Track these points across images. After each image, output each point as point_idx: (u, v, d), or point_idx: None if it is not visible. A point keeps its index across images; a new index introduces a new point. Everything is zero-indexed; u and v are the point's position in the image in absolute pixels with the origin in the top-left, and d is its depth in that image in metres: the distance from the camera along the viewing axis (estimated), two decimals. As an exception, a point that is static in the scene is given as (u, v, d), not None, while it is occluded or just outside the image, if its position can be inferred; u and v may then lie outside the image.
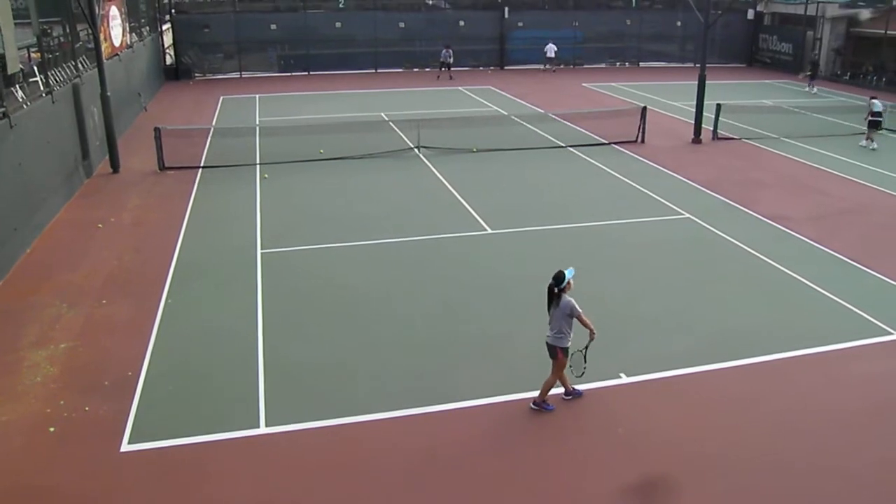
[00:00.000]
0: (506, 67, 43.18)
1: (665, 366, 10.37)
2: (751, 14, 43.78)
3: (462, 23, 42.63)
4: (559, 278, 9.01)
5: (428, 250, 14.79)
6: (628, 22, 44.62)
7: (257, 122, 26.82)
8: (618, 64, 45.17)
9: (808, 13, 40.17)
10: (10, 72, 15.39)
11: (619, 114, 25.45)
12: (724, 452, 8.60)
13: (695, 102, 24.43)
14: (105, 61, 20.85)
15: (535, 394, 9.45)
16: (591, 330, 8.97)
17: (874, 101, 23.63)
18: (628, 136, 24.03)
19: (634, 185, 19.20)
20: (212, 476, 8.19)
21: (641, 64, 45.13)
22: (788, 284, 13.20)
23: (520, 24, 43.16)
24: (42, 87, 17.41)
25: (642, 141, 23.92)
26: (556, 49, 41.21)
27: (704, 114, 24.36)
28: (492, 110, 29.54)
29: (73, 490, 7.99)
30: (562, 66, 42.73)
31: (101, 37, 20.96)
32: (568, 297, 8.99)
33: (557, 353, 9.13)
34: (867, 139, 23.63)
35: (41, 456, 8.53)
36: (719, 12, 25.91)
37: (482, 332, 11.39)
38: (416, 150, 22.46)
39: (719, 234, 15.59)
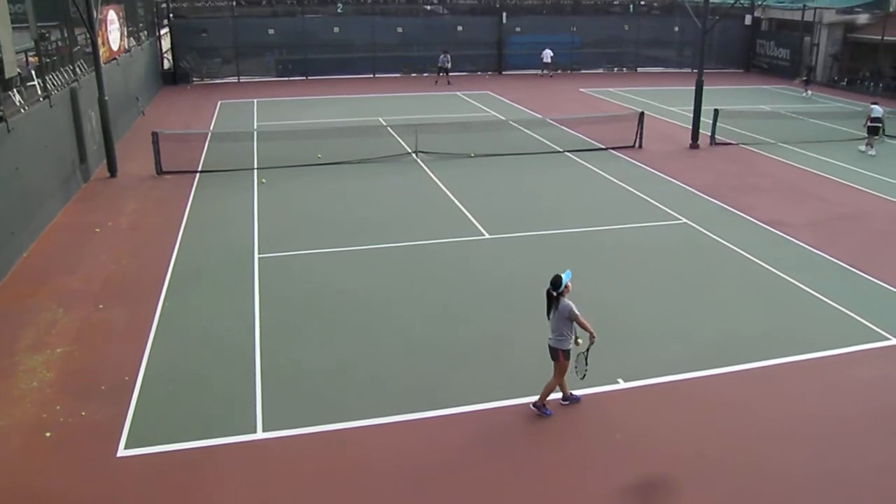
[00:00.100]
0: (504, 72, 43.23)
1: (663, 371, 10.36)
2: (748, 19, 43.89)
3: (460, 28, 42.69)
4: (556, 282, 9.02)
5: (426, 255, 14.78)
6: (626, 27, 44.71)
7: (255, 127, 26.80)
8: (615, 69, 45.24)
9: (805, 19, 40.26)
10: (7, 76, 15.37)
11: (617, 119, 25.46)
12: (723, 457, 8.59)
13: (692, 107, 24.47)
14: (103, 65, 20.84)
15: (534, 398, 9.44)
16: (590, 333, 8.97)
17: (874, 106, 23.61)
18: (626, 141, 24.05)
19: (632, 190, 19.21)
20: (208, 481, 8.16)
21: (639, 69, 45.21)
22: (786, 290, 13.20)
23: (517, 29, 43.23)
24: (40, 92, 17.39)
25: (640, 146, 23.94)
26: (552, 54, 41.26)
27: (702, 119, 24.40)
28: (489, 115, 29.56)
29: (69, 495, 7.96)
30: (559, 72, 42.80)
31: (100, 41, 20.96)
32: (566, 301, 9.00)
33: (559, 355, 9.14)
34: (867, 144, 23.59)
35: (37, 461, 8.49)
36: (717, 18, 25.96)
37: (480, 337, 11.37)
38: (413, 154, 22.46)
39: (717, 240, 15.59)
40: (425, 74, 41.36)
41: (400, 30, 41.89)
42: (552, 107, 31.31)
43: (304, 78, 40.41)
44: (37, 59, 18.77)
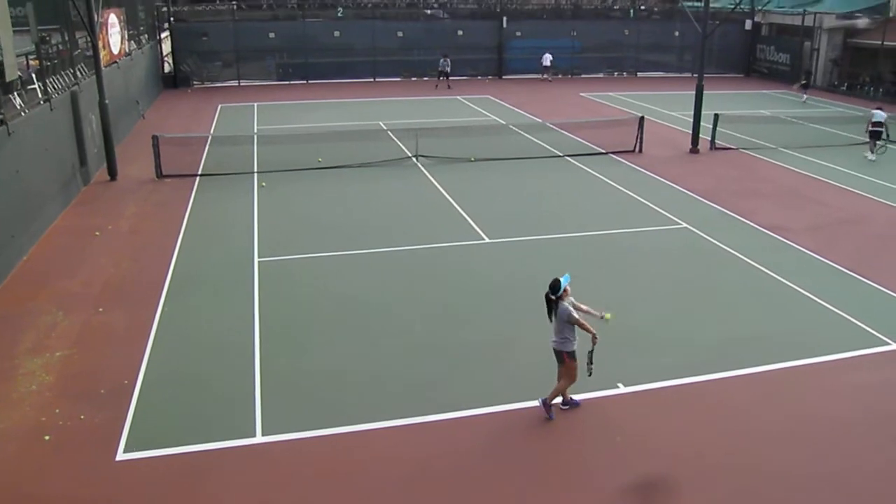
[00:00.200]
0: (504, 77, 43.26)
1: (663, 375, 10.35)
2: (748, 24, 43.95)
3: (460, 32, 42.74)
4: (555, 286, 9.04)
5: (426, 259, 14.77)
6: (626, 32, 44.74)
7: (255, 131, 26.81)
8: (616, 74, 45.29)
9: (805, 24, 40.32)
10: (8, 79, 15.38)
11: (617, 123, 25.49)
12: (722, 461, 8.58)
13: (692, 112, 24.50)
14: (103, 69, 20.87)
15: (534, 403, 9.46)
16: (592, 334, 8.97)
17: (876, 111, 23.52)
18: (626, 145, 24.06)
19: (632, 194, 19.21)
20: (207, 485, 8.14)
21: (639, 74, 45.26)
22: (786, 295, 13.20)
23: (518, 33, 43.28)
24: (40, 95, 17.41)
25: (640, 151, 23.95)
26: (551, 58, 41.32)
27: (702, 124, 24.42)
28: (490, 119, 29.58)
29: (68, 498, 7.94)
30: (559, 76, 42.84)
31: (100, 44, 20.98)
32: (565, 304, 9.02)
33: (564, 357, 9.16)
34: (872, 150, 23.36)
35: (36, 464, 8.48)
36: (717, 23, 26.03)
37: (481, 340, 11.37)
38: (414, 159, 22.47)
39: (717, 244, 15.59)
40: (426, 78, 41.39)
41: (400, 34, 41.95)
42: (552, 111, 31.32)
43: (305, 82, 40.45)
44: (37, 62, 18.79)
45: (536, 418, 9.38)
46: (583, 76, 44.14)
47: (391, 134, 25.34)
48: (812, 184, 20.74)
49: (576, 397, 9.61)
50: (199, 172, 21.09)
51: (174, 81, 38.74)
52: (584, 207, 18.27)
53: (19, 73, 16.37)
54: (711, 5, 26.52)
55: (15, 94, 16.01)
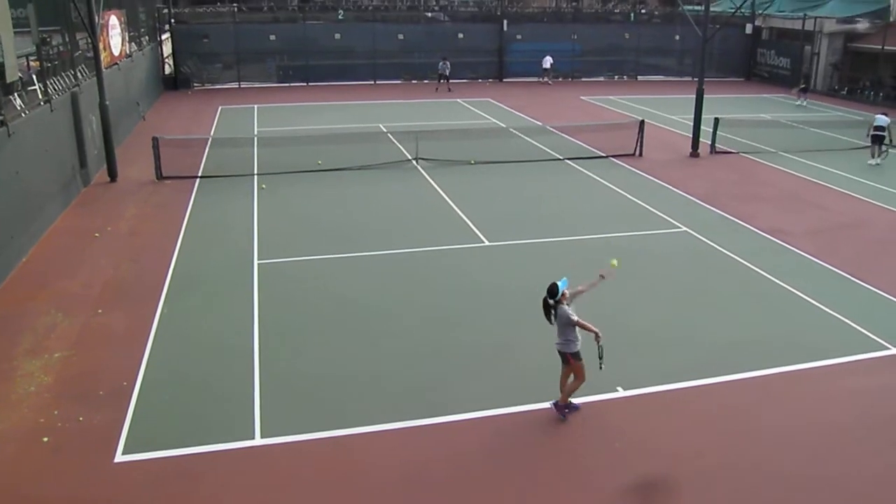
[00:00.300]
0: (504, 80, 43.28)
1: (662, 379, 10.34)
2: (749, 28, 43.96)
3: (461, 35, 42.76)
4: (553, 291, 9.06)
5: (426, 262, 14.77)
6: (627, 35, 44.75)
7: (255, 133, 26.80)
8: (616, 77, 45.28)
9: (805, 28, 40.33)
10: (8, 80, 15.40)
11: (617, 127, 25.48)
12: (721, 465, 8.57)
13: (693, 116, 24.50)
14: (104, 70, 20.88)
15: (535, 406, 9.48)
16: (595, 333, 8.96)
17: (879, 116, 23.37)
18: (626, 149, 24.06)
19: (632, 198, 19.21)
20: (206, 487, 8.14)
21: (639, 77, 45.26)
22: (786, 299, 13.19)
23: (518, 36, 43.31)
24: (41, 96, 17.42)
25: (640, 154, 23.94)
26: (552, 60, 41.36)
27: (702, 127, 24.42)
28: (490, 122, 29.60)
29: (66, 500, 7.94)
30: (560, 79, 42.87)
31: (101, 46, 21.00)
32: (564, 307, 9.03)
33: (569, 358, 9.17)
34: (873, 155, 23.25)
35: (34, 466, 8.47)
36: (717, 27, 26.00)
37: (480, 343, 11.36)
38: (414, 161, 22.48)
39: (717, 248, 15.59)
40: (426, 81, 41.40)
41: (401, 37, 41.97)
42: (553, 114, 31.34)
43: (305, 84, 40.45)
44: (38, 63, 18.80)
45: (537, 420, 9.38)
46: (583, 80, 44.15)
47: (391, 136, 25.35)
48: (812, 188, 20.74)
49: (575, 401, 9.59)
50: (200, 174, 21.08)
51: (175, 83, 38.75)
52: (584, 211, 18.27)
53: (20, 75, 16.38)
54: (712, 9, 26.53)
55: (15, 95, 16.02)
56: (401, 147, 23.92)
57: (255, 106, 33.32)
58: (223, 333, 11.60)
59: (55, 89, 18.51)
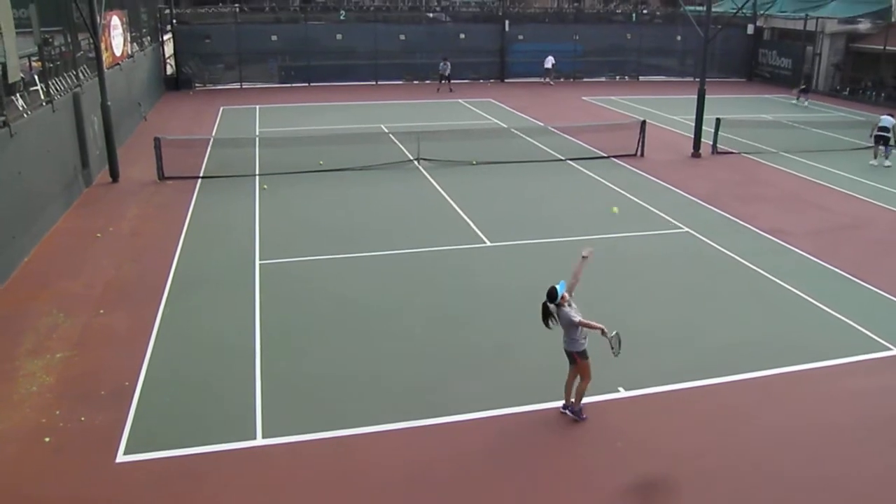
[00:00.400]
0: (506, 80, 43.27)
1: (663, 380, 10.35)
2: (750, 29, 43.91)
3: (462, 35, 42.75)
4: (552, 294, 9.05)
5: (427, 262, 14.78)
6: (628, 36, 44.72)
7: (257, 133, 26.84)
8: (617, 77, 45.25)
9: (807, 28, 40.31)
10: (10, 80, 15.42)
11: (619, 127, 25.48)
12: (722, 465, 8.58)
13: (694, 116, 24.49)
14: (106, 71, 20.91)
15: (536, 406, 9.47)
16: (600, 329, 8.95)
17: (884, 116, 23.27)
18: (628, 149, 24.06)
19: (633, 198, 19.21)
20: (208, 487, 8.15)
21: (641, 78, 45.23)
22: (787, 299, 13.19)
23: (520, 37, 43.29)
24: (43, 96, 17.44)
25: (642, 155, 23.94)
26: (553, 60, 41.36)
27: (704, 128, 24.42)
28: (491, 123, 29.60)
29: (68, 500, 7.95)
30: (561, 80, 42.86)
31: (103, 46, 21.01)
32: (566, 309, 9.02)
33: (575, 357, 9.17)
34: (884, 156, 23.13)
35: (36, 466, 8.48)
36: (719, 27, 25.97)
37: (481, 344, 11.37)
38: (415, 162, 22.49)
39: (718, 249, 15.59)
40: (427, 82, 41.39)
41: (402, 37, 41.97)
42: (554, 115, 31.34)
43: (307, 84, 40.46)
44: (40, 63, 18.83)
45: (538, 421, 9.39)
46: (585, 80, 44.12)
47: (393, 137, 25.36)
48: (814, 188, 20.73)
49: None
50: (201, 175, 21.10)
51: (176, 83, 38.78)
52: (586, 211, 18.26)
53: (22, 75, 16.41)
54: (713, 9, 26.50)
55: (17, 95, 16.05)
56: (402, 147, 23.93)
57: (257, 106, 33.34)
58: (225, 333, 11.61)
59: (57, 90, 18.54)
